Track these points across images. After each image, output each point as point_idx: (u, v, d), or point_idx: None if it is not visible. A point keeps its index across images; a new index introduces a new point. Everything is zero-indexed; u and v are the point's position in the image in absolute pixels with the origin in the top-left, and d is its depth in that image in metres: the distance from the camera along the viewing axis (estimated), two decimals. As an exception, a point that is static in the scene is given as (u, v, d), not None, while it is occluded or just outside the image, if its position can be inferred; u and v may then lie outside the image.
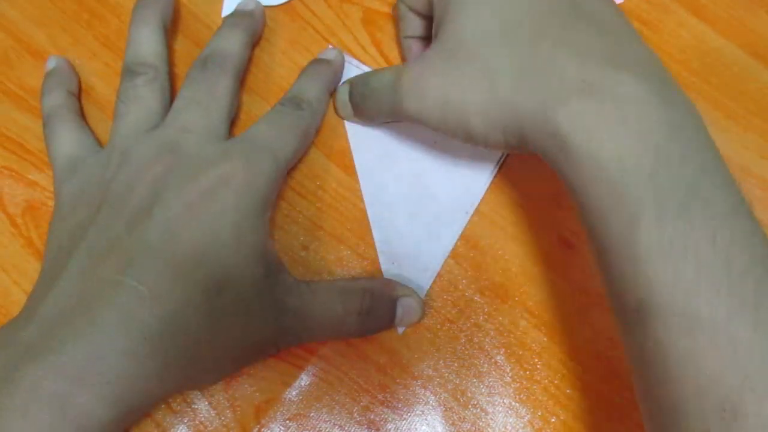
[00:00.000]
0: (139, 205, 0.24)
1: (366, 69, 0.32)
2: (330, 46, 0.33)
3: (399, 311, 0.28)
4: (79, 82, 0.32)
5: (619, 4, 0.34)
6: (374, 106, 0.28)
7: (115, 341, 0.21)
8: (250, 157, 0.26)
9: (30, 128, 0.32)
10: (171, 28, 0.33)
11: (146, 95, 0.29)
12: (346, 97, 0.30)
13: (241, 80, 0.31)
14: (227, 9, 0.34)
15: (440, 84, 0.24)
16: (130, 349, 0.22)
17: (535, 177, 0.31)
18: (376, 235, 0.30)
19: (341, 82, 0.32)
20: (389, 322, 0.28)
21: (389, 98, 0.27)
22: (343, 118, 0.31)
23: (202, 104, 0.28)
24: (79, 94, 0.32)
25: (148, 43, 0.30)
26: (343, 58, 0.32)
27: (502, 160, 0.31)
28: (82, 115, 0.31)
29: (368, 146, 0.31)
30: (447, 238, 0.30)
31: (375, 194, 0.31)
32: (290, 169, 0.31)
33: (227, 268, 0.24)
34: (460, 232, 0.30)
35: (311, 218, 0.31)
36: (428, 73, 0.25)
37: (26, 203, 0.31)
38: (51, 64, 0.31)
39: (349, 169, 0.31)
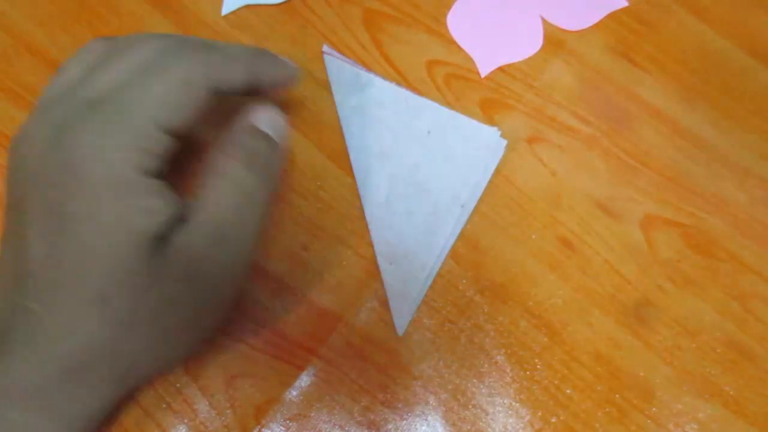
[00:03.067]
0: (12, 209, 0.23)
1: (360, 68, 0.32)
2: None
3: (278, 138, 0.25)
4: None
5: (624, 7, 0.34)
6: None
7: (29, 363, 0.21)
8: (88, 127, 0.21)
9: (29, 127, 0.32)
10: (171, 27, 0.33)
11: None
12: None
13: None
14: (227, 8, 0.34)
15: None
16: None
17: (535, 177, 0.31)
18: (374, 235, 0.30)
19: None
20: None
21: None
22: None
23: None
24: None
25: None
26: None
27: (500, 155, 0.31)
28: None
29: (364, 146, 0.31)
30: (443, 235, 0.30)
31: (371, 195, 0.31)
32: (291, 168, 0.31)
33: (109, 265, 0.21)
34: (458, 229, 0.30)
35: (311, 218, 0.31)
36: None
37: (26, 203, 0.31)
38: None
39: (349, 169, 0.31)
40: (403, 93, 0.32)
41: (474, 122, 0.32)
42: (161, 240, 0.22)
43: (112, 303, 0.21)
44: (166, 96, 0.22)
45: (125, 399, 0.26)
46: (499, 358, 0.29)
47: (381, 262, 0.30)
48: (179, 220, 0.23)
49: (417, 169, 0.31)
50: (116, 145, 0.21)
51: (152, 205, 0.22)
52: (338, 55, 0.33)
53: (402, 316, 0.29)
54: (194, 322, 0.24)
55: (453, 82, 0.33)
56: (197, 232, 0.23)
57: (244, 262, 0.24)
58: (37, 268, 0.21)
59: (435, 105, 0.32)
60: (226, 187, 0.23)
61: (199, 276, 0.23)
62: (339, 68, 0.32)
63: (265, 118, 0.25)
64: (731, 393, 0.29)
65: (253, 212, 0.24)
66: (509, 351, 0.29)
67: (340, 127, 0.32)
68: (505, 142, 0.31)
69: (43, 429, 0.22)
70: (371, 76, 0.32)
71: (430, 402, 0.28)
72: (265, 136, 0.25)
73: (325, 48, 0.33)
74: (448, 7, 0.34)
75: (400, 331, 0.29)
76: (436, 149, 0.31)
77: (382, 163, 0.31)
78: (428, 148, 0.31)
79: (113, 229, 0.21)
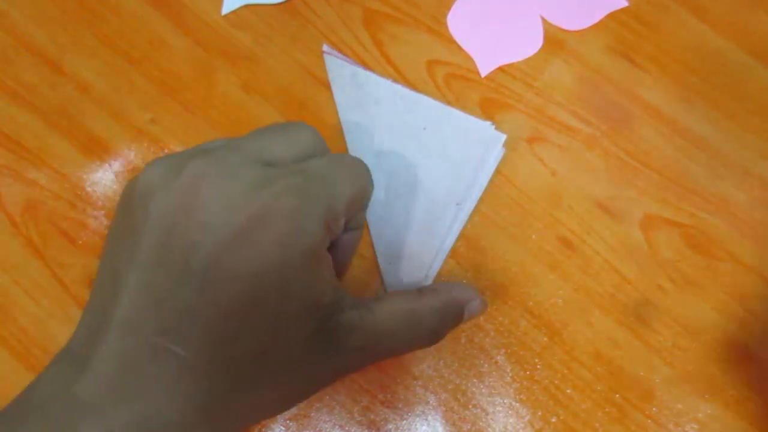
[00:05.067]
0: (176, 249, 0.21)
1: (359, 67, 0.32)
2: None
3: (465, 315, 0.27)
4: None
5: (624, 7, 0.34)
6: None
7: (163, 409, 0.20)
8: (299, 190, 0.21)
9: (27, 125, 0.32)
10: (171, 27, 0.33)
11: None
12: None
13: None
14: (227, 8, 0.34)
15: None
16: (177, 419, 0.20)
17: (535, 177, 0.31)
18: (373, 234, 0.30)
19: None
20: (456, 326, 0.27)
21: None
22: None
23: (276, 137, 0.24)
24: None
25: None
26: None
27: (499, 157, 0.31)
28: None
29: (363, 144, 0.31)
30: (440, 234, 0.30)
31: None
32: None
33: (272, 330, 0.21)
34: (457, 228, 0.30)
35: (311, 218, 0.31)
36: None
37: (26, 202, 0.31)
38: None
39: (350, 168, 0.31)
40: (399, 89, 0.32)
41: (469, 117, 0.32)
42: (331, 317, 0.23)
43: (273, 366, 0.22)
44: (348, 183, 0.23)
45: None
46: (499, 358, 0.29)
47: (381, 261, 0.30)
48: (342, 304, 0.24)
49: (414, 166, 0.31)
50: (312, 210, 0.21)
51: (330, 279, 0.22)
52: (338, 54, 0.33)
53: None
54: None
55: (453, 82, 0.33)
56: (367, 324, 0.24)
57: (372, 355, 0.25)
58: (192, 313, 0.20)
59: (430, 100, 0.32)
60: (403, 309, 0.25)
61: (326, 351, 0.23)
62: (339, 67, 0.32)
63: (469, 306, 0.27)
64: (731, 393, 0.29)
65: (408, 335, 0.25)
66: (509, 351, 0.29)
67: (340, 127, 0.32)
68: (503, 137, 0.31)
69: None
70: (368, 73, 0.32)
71: (430, 402, 0.28)
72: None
73: (325, 47, 0.33)
74: (448, 7, 0.34)
75: None
76: (432, 145, 0.31)
77: (381, 161, 0.31)
78: (424, 145, 0.31)
79: (290, 292, 0.21)
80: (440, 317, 0.26)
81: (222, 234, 0.20)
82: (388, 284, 0.29)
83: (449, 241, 0.30)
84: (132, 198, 0.22)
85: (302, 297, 0.21)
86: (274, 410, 0.24)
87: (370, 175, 0.25)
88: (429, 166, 0.31)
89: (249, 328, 0.21)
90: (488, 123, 0.31)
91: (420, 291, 0.26)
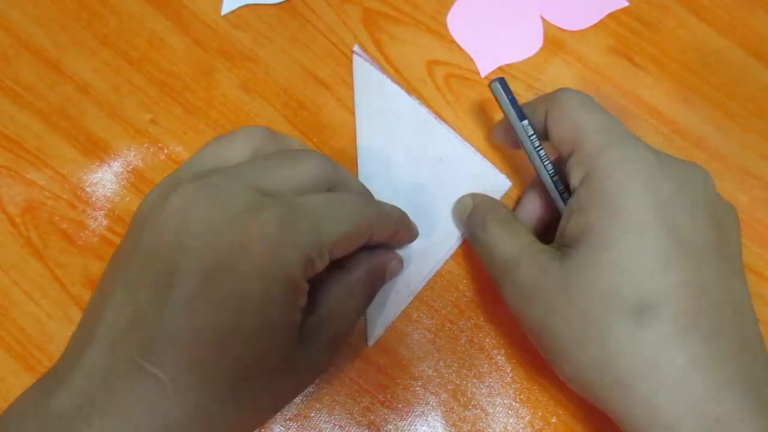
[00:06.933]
0: (161, 270, 0.22)
1: (386, 76, 0.32)
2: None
3: (387, 276, 0.28)
4: None
5: (624, 7, 0.34)
6: (483, 254, 0.27)
7: (140, 428, 0.20)
8: (285, 222, 0.22)
9: (27, 126, 0.32)
10: (170, 27, 0.33)
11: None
12: (464, 213, 0.29)
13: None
14: (227, 8, 0.34)
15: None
16: None
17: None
18: None
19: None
20: (380, 287, 0.28)
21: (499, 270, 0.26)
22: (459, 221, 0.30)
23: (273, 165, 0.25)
24: None
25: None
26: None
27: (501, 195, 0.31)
28: None
29: (375, 153, 0.31)
30: (434, 260, 0.30)
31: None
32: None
33: (251, 355, 0.22)
34: (449, 254, 0.30)
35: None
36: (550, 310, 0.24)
37: (25, 203, 0.31)
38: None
39: (352, 171, 0.31)
40: (424, 114, 0.32)
41: (486, 162, 0.31)
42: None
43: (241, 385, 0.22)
44: (342, 223, 0.23)
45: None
46: (499, 358, 0.29)
47: None
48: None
49: (421, 191, 0.31)
50: (296, 244, 0.22)
51: (302, 305, 0.23)
52: (368, 57, 0.32)
53: (375, 327, 0.29)
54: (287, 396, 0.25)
55: (453, 82, 0.33)
56: (315, 320, 0.24)
57: (338, 342, 0.26)
58: (172, 337, 0.21)
59: (452, 135, 0.31)
60: (342, 289, 0.26)
61: (302, 361, 0.24)
62: (367, 72, 0.32)
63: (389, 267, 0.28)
64: (731, 393, 0.28)
65: (351, 311, 0.26)
66: (509, 351, 0.29)
67: (340, 128, 0.32)
68: (509, 185, 0.31)
69: None
70: (396, 87, 0.32)
71: (430, 402, 0.28)
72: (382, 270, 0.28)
73: (356, 48, 0.32)
74: (448, 7, 0.34)
75: (371, 341, 0.29)
76: (445, 178, 0.31)
77: (389, 174, 0.31)
78: (436, 175, 0.31)
79: (269, 320, 0.22)
80: (369, 283, 0.27)
81: (205, 259, 0.21)
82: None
83: (438, 267, 0.30)
84: (132, 221, 0.24)
85: (280, 324, 0.22)
86: (255, 425, 0.24)
87: (374, 214, 0.26)
88: (437, 196, 0.31)
89: (229, 355, 0.21)
90: (503, 176, 0.31)
91: (346, 268, 0.26)
